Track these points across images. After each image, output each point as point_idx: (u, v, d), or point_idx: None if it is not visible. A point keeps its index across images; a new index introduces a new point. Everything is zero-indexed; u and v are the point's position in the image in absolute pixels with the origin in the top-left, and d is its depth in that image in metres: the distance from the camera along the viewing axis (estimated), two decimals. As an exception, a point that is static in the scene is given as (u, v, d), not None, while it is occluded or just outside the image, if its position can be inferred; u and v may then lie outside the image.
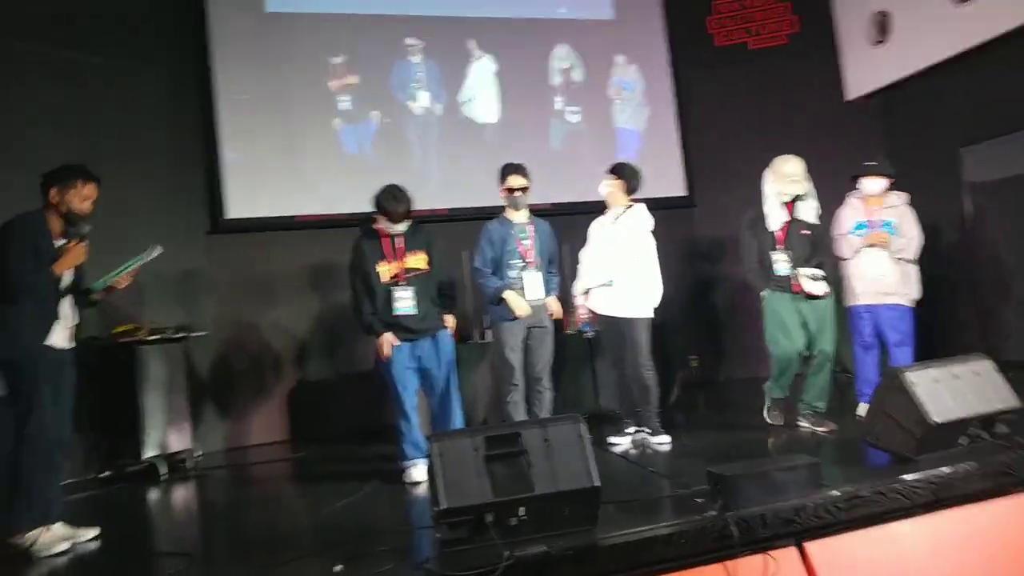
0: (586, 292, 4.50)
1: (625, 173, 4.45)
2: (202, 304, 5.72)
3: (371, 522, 3.18)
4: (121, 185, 5.02)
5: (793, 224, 4.40)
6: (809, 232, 4.39)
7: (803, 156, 4.46)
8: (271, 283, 5.93)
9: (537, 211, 4.58)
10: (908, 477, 2.95)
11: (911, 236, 4.53)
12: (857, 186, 4.66)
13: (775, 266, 4.39)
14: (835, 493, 2.82)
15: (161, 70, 5.73)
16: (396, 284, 3.96)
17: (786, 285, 4.36)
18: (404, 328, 3.96)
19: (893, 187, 4.65)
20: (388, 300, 3.96)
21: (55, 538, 3.09)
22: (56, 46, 5.18)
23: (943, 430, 3.18)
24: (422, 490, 3.69)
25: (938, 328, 5.92)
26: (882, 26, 6.45)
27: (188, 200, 5.77)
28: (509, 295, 4.21)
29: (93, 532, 3.23)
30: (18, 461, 3.06)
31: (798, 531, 2.75)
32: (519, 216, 4.38)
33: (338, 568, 2.49)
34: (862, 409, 4.34)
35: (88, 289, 3.37)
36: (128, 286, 3.46)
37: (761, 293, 4.50)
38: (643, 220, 4.43)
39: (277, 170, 5.98)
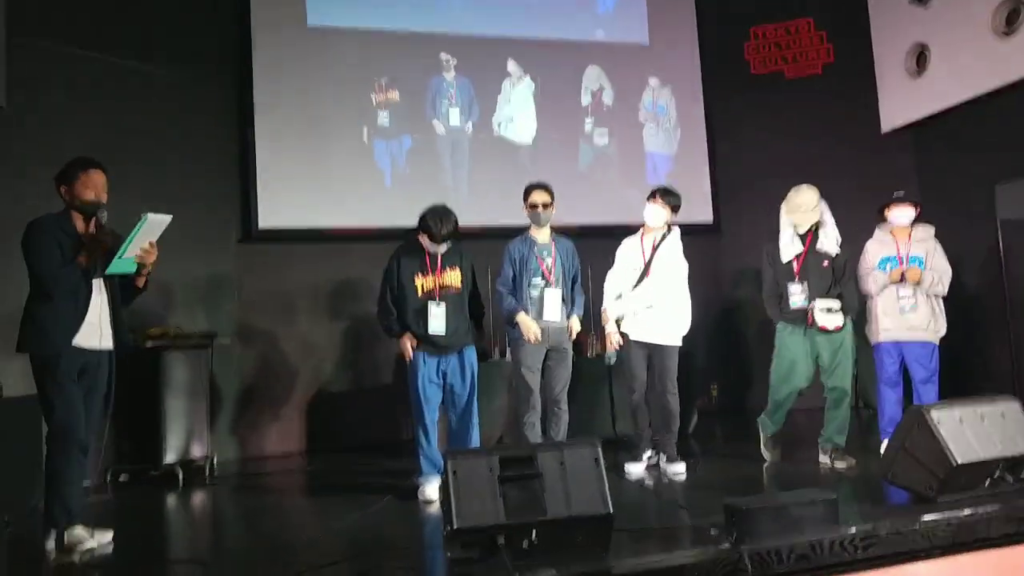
0: (620, 318, 4.42)
1: (677, 199, 4.43)
2: (227, 311, 5.80)
3: (384, 537, 3.19)
4: (157, 190, 5.16)
5: (811, 256, 4.33)
6: (828, 263, 4.31)
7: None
8: (295, 294, 6.01)
9: (563, 232, 4.60)
10: (928, 518, 2.90)
11: (942, 270, 4.45)
12: (886, 217, 4.59)
13: (791, 299, 4.33)
14: (852, 531, 2.77)
15: (202, 78, 5.86)
16: (431, 299, 4.00)
17: (800, 318, 4.31)
18: (434, 344, 4.00)
19: (920, 218, 4.58)
20: (421, 315, 3.99)
21: (75, 540, 3.11)
22: (100, 50, 5.32)
23: (966, 471, 3.12)
24: (435, 507, 3.70)
25: (967, 366, 5.82)
26: (920, 58, 6.40)
27: (222, 208, 5.88)
28: (522, 318, 4.22)
29: (108, 536, 3.25)
30: (45, 460, 3.12)
31: (813, 568, 2.70)
32: (542, 234, 4.39)
33: (349, 583, 2.50)
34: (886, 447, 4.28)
35: (123, 277, 3.32)
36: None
37: (776, 325, 4.47)
38: (680, 246, 4.44)
39: (308, 182, 6.07)
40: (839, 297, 4.28)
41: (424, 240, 4.03)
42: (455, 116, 6.50)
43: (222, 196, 5.88)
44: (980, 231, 6.02)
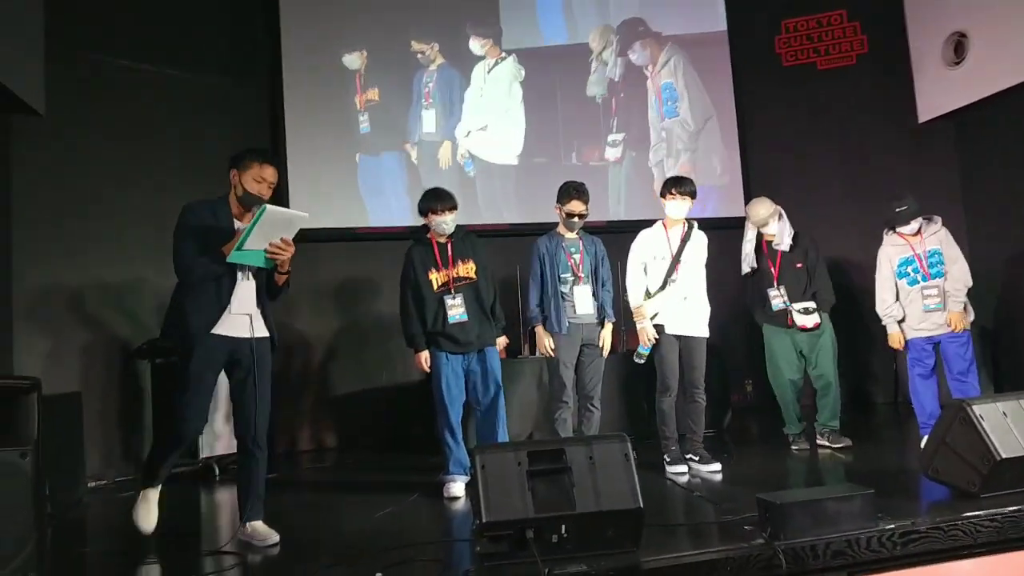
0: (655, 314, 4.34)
1: (692, 186, 4.39)
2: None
3: (412, 532, 3.20)
4: (193, 194, 5.21)
5: (785, 260, 4.68)
6: (802, 264, 4.67)
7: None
8: (321, 293, 6.06)
9: (591, 228, 4.57)
10: (970, 514, 2.81)
11: (960, 271, 4.38)
12: (895, 229, 4.54)
13: (771, 302, 4.67)
14: (890, 526, 2.71)
15: (234, 85, 5.95)
16: (447, 292, 4.01)
17: (782, 319, 4.65)
18: (455, 340, 3.99)
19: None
20: (439, 310, 3.99)
21: (145, 499, 3.22)
22: (136, 59, 5.43)
23: (1011, 466, 3.03)
24: (462, 504, 3.72)
25: (1015, 358, 5.66)
26: (959, 47, 6.25)
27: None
28: (539, 331, 4.22)
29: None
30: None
31: (850, 564, 2.65)
32: (570, 232, 4.38)
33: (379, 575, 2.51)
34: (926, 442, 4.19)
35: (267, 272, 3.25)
36: None
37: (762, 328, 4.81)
38: (705, 238, 4.43)
39: (334, 182, 6.14)
40: (814, 296, 4.63)
41: (433, 224, 4.02)
42: (479, 119, 6.51)
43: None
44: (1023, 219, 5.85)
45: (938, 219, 4.53)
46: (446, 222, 4.03)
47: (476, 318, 4.04)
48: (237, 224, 3.19)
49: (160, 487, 3.29)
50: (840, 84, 6.87)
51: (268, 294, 3.34)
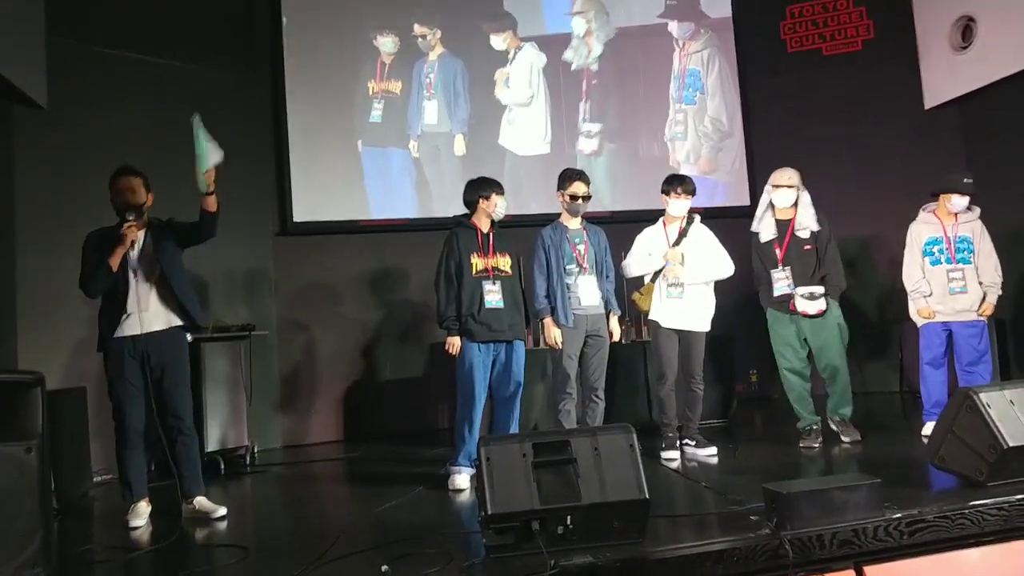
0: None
1: (692, 185, 4.45)
2: (266, 303, 5.88)
3: (419, 524, 3.20)
4: (193, 184, 5.21)
5: (793, 241, 4.41)
6: (811, 246, 4.40)
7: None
8: (331, 285, 6.07)
9: (594, 219, 4.56)
10: (977, 503, 2.80)
11: (995, 264, 4.37)
12: (945, 202, 4.46)
13: (775, 284, 4.45)
14: (897, 516, 2.69)
15: (237, 76, 5.92)
16: (486, 278, 4.02)
17: (786, 304, 4.42)
18: (490, 327, 3.98)
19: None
20: (476, 294, 3.98)
21: (135, 514, 3.43)
22: (138, 50, 5.41)
23: (1017, 455, 3.01)
24: (467, 496, 3.72)
25: (1021, 348, 5.64)
26: (966, 31, 6.19)
27: (259, 203, 5.94)
28: (548, 323, 4.20)
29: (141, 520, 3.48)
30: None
31: (857, 553, 2.64)
32: (573, 222, 4.36)
33: (385, 568, 2.51)
34: (927, 429, 4.18)
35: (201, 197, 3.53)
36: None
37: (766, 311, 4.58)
38: (707, 230, 4.44)
39: (341, 174, 6.12)
40: (823, 280, 4.36)
41: (488, 206, 4.08)
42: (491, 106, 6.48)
43: (259, 191, 5.95)
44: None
45: (977, 209, 4.48)
46: (502, 204, 4.10)
47: (510, 309, 4.05)
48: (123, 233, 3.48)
49: (146, 502, 3.50)
50: (846, 70, 6.81)
51: (205, 231, 3.58)
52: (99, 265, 3.42)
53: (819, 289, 4.35)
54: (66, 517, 3.80)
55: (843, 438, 4.39)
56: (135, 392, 3.44)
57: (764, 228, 4.51)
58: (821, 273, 4.39)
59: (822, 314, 4.35)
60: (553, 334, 4.18)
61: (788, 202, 4.43)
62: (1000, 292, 4.40)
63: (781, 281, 4.42)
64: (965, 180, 4.40)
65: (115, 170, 3.59)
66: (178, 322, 3.55)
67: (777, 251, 4.44)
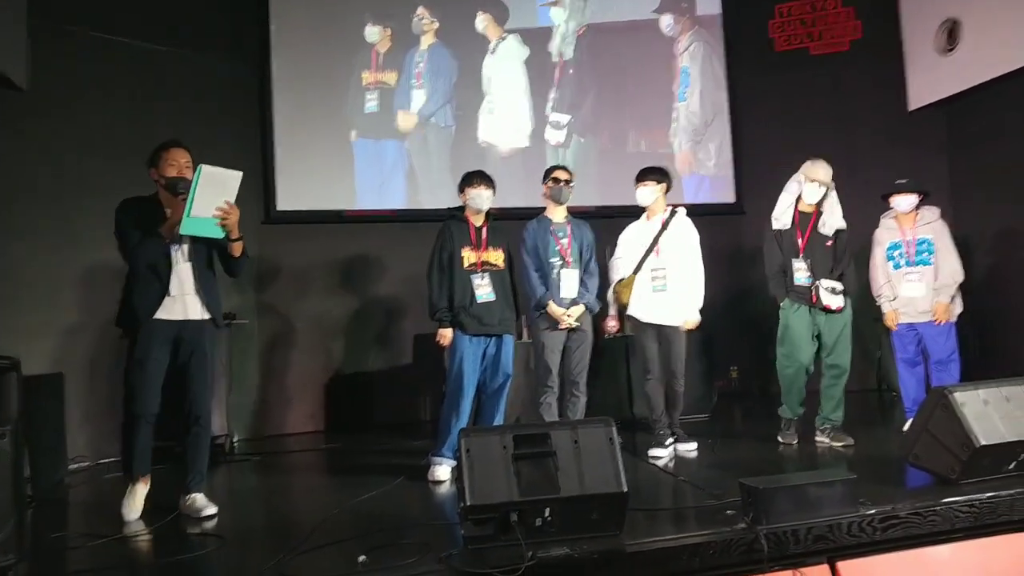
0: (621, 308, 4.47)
1: (668, 177, 4.45)
2: (248, 292, 5.83)
3: (397, 515, 3.20)
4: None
5: (815, 234, 4.32)
6: (831, 243, 4.31)
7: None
8: (315, 275, 6.04)
9: (580, 213, 4.56)
10: (949, 500, 2.85)
11: (952, 266, 4.42)
12: (890, 205, 4.58)
13: (795, 274, 4.32)
14: (870, 512, 2.73)
15: (221, 62, 5.85)
16: (475, 272, 4.02)
17: (805, 295, 4.29)
18: (481, 320, 3.98)
19: (924, 202, 4.56)
20: (468, 287, 3.99)
21: (131, 496, 3.34)
22: (123, 34, 5.33)
23: (990, 453, 3.05)
24: (447, 488, 3.73)
25: (1001, 346, 5.71)
26: (951, 34, 6.24)
27: (243, 190, 5.87)
28: (552, 307, 4.20)
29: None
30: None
31: (831, 549, 2.67)
32: (557, 215, 4.37)
33: (362, 558, 2.51)
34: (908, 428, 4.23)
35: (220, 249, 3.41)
36: None
37: (780, 303, 4.42)
38: (691, 226, 4.44)
39: (327, 164, 6.08)
40: (840, 278, 4.28)
41: (471, 204, 4.06)
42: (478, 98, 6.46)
43: (245, 178, 5.87)
44: (1014, 207, 5.85)
45: (936, 210, 4.54)
46: (481, 195, 4.06)
47: (501, 303, 4.05)
48: (169, 213, 3.32)
49: (145, 482, 3.37)
50: (832, 70, 6.85)
51: (228, 270, 3.49)
52: (145, 236, 3.25)
53: (840, 285, 4.27)
54: (41, 504, 3.77)
55: (836, 444, 4.25)
56: (157, 376, 3.29)
57: (786, 217, 4.40)
58: (838, 272, 4.30)
59: (841, 310, 4.27)
60: (559, 312, 4.18)
61: (819, 197, 4.32)
62: (954, 292, 4.42)
63: (801, 271, 4.30)
64: (897, 181, 4.50)
65: (166, 141, 3.43)
66: (208, 315, 3.40)
67: (800, 240, 4.33)
